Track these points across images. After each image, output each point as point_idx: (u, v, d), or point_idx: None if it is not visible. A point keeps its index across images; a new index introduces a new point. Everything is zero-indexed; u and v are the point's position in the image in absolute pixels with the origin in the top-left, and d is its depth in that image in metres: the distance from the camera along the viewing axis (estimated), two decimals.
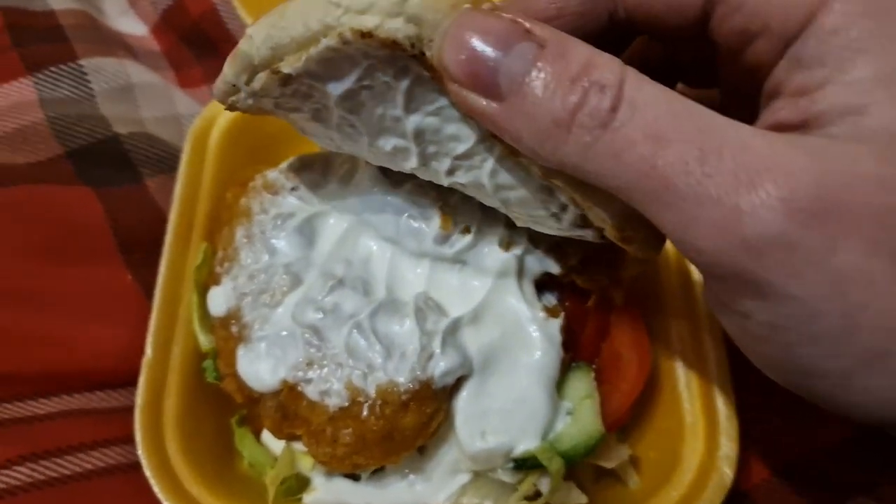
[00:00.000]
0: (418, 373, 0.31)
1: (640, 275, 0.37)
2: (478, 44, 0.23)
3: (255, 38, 0.26)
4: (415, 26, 0.24)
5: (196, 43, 0.58)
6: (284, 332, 0.33)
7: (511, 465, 0.33)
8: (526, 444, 0.32)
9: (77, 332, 0.41)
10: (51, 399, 0.39)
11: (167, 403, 0.35)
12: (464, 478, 0.34)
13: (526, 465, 0.33)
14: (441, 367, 0.31)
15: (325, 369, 0.32)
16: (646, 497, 0.34)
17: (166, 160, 0.49)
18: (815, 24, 0.24)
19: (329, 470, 0.34)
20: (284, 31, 0.26)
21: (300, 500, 0.35)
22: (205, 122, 0.44)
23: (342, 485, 0.35)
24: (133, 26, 0.61)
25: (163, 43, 0.60)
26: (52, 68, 0.51)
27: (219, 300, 0.35)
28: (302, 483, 0.35)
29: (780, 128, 0.25)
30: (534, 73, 0.23)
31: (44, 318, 0.41)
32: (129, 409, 0.40)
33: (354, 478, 0.35)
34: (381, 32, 0.24)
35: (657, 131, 0.22)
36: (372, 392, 0.31)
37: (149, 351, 0.35)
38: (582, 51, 0.23)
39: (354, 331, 0.32)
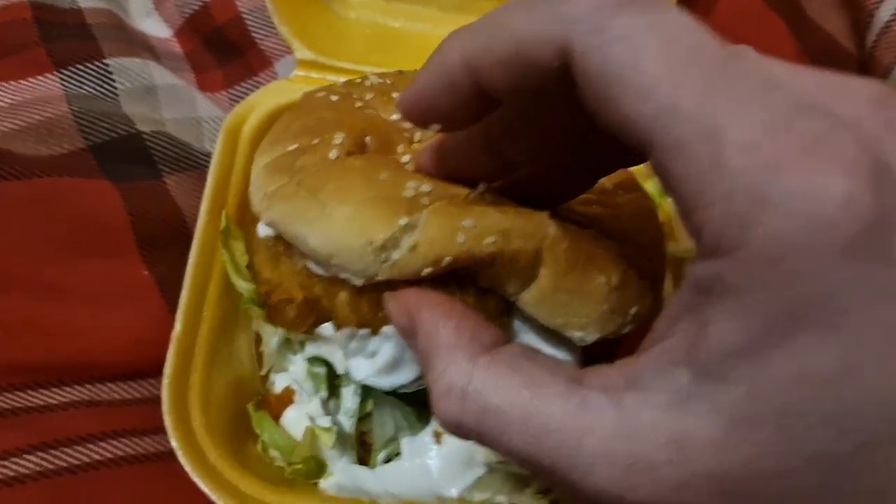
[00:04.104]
0: None
1: None
2: None
3: None
4: None
5: (219, 48, 0.59)
6: None
7: None
8: None
9: (91, 325, 0.41)
10: (62, 389, 0.39)
11: (192, 378, 0.35)
12: (478, 471, 0.35)
13: None
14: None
15: None
16: None
17: (186, 160, 0.49)
18: None
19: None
20: None
21: (316, 484, 0.36)
22: (237, 118, 0.45)
23: (358, 471, 0.36)
24: (157, 28, 0.61)
25: (185, 46, 0.60)
26: (79, 65, 0.51)
27: None
28: (320, 467, 0.36)
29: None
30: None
31: (61, 309, 0.41)
32: (138, 402, 0.40)
33: (368, 466, 0.36)
34: None
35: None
36: None
37: (178, 326, 0.36)
38: (438, 362, 0.24)
39: None
